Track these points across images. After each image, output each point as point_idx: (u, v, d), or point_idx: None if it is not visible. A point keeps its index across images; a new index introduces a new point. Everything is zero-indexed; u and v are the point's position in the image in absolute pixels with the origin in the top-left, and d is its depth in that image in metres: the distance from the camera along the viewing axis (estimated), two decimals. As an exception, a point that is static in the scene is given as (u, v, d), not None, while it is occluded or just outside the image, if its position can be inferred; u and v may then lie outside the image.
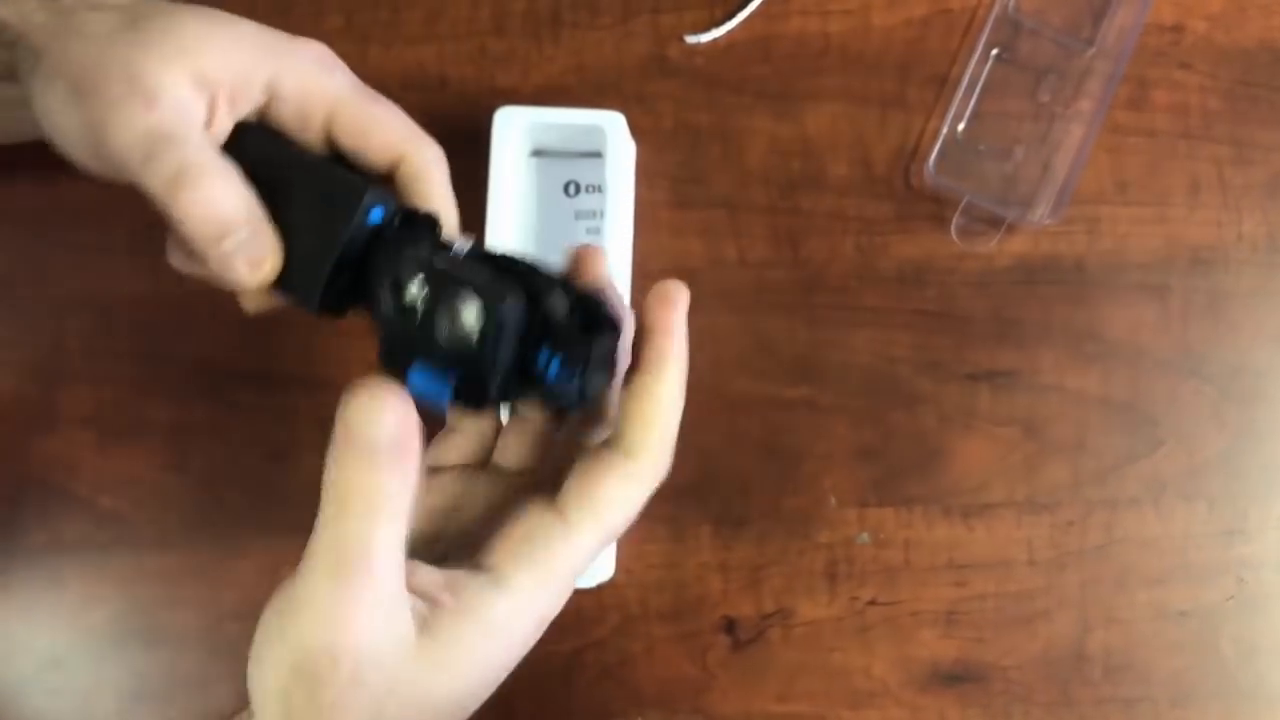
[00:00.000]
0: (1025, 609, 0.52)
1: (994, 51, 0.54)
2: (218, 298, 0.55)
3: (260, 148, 0.37)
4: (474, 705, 0.32)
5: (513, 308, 0.31)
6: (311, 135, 0.37)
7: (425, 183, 0.37)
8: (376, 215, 0.34)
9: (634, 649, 0.52)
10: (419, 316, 0.32)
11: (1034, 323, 0.53)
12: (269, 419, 0.53)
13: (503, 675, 0.33)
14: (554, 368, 0.32)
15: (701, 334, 0.53)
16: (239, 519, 0.53)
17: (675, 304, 0.34)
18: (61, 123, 0.35)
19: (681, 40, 0.55)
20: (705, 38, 0.54)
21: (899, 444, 0.53)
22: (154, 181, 0.34)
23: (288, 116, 0.37)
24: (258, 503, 0.53)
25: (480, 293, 0.31)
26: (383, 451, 0.29)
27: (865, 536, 0.52)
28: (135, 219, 0.54)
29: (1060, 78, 0.54)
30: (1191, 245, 0.54)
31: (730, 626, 0.52)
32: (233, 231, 0.34)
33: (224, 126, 0.36)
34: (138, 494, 0.53)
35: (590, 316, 0.33)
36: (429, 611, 0.30)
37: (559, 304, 0.32)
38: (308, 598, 0.29)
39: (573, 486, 0.33)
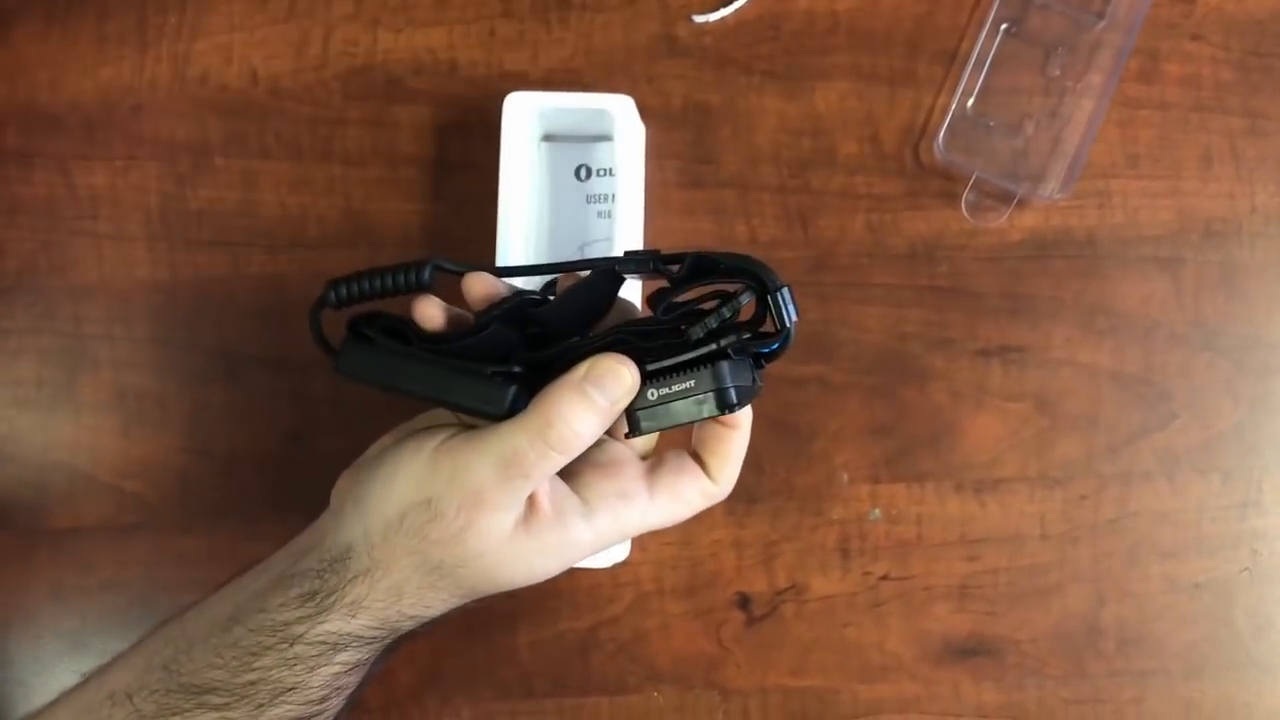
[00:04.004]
0: (1038, 583, 0.52)
1: (1003, 26, 0.54)
2: (234, 285, 0.56)
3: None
4: (511, 587, 0.39)
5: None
6: None
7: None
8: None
9: (649, 626, 0.53)
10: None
11: (1045, 298, 0.53)
12: (286, 403, 0.54)
13: (544, 577, 0.40)
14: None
15: (713, 313, 0.53)
16: (258, 501, 0.54)
17: None
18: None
19: (690, 20, 0.55)
20: (713, 17, 0.54)
21: (911, 420, 0.53)
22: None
23: None
24: (277, 485, 0.54)
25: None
26: (604, 407, 0.37)
27: (877, 512, 0.53)
28: (151, 208, 0.55)
29: (1070, 51, 0.54)
30: (1204, 218, 0.54)
31: (744, 602, 0.53)
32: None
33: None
34: (159, 477, 0.54)
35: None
36: (531, 512, 0.38)
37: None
38: (472, 463, 0.36)
39: (666, 476, 0.40)
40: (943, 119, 0.53)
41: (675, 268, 0.38)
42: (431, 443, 0.38)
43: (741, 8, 0.54)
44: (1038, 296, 0.53)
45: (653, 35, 0.55)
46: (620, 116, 0.50)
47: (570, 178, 0.54)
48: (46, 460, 0.54)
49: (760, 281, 0.37)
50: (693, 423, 0.38)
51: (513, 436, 0.36)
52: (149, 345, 0.54)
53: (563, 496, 0.39)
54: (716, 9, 0.54)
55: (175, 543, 0.54)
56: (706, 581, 0.53)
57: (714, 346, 0.37)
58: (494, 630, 0.53)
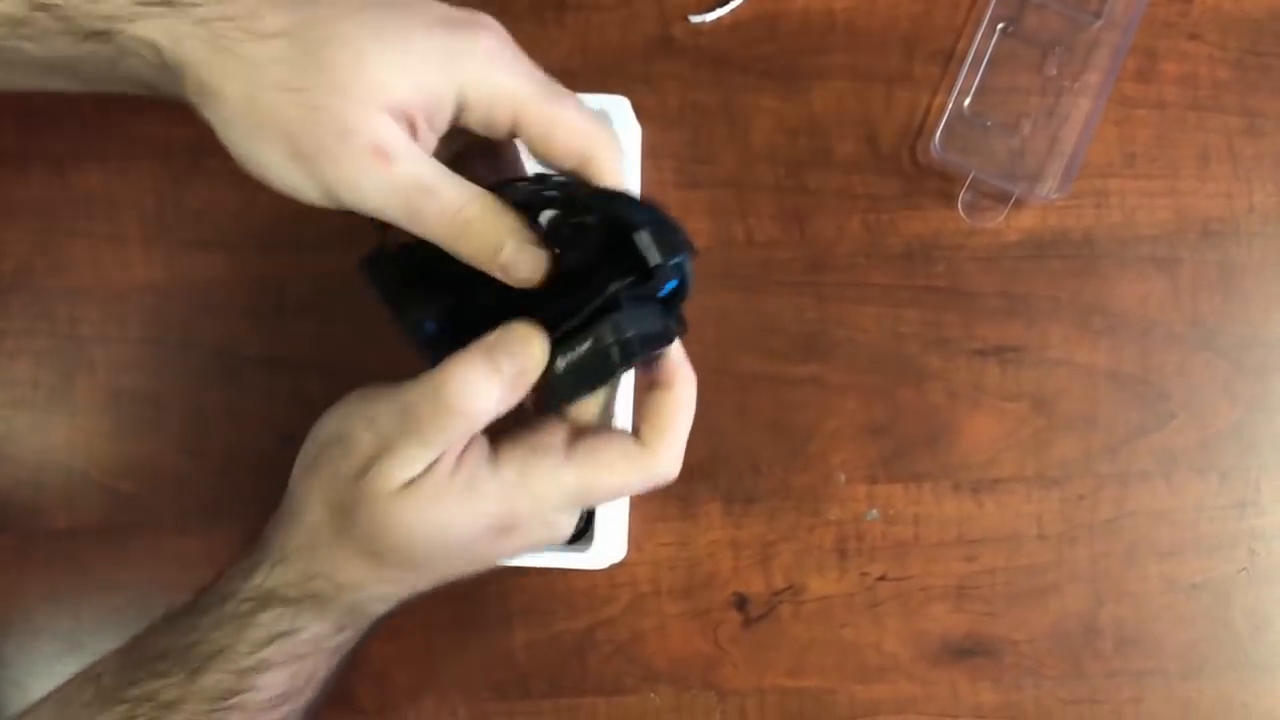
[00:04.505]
0: (1036, 583, 0.52)
1: (1000, 25, 0.54)
2: (230, 286, 0.56)
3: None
4: (420, 551, 0.37)
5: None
6: (499, 135, 0.37)
7: (607, 178, 0.38)
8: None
9: (646, 626, 0.53)
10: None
11: (1042, 297, 0.53)
12: (283, 403, 0.54)
13: (463, 553, 0.38)
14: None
15: (710, 313, 0.54)
16: (255, 503, 0.53)
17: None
18: (284, 175, 0.37)
19: (686, 20, 0.55)
20: (710, 17, 0.54)
21: (908, 420, 0.53)
22: (425, 229, 0.36)
23: (475, 123, 0.37)
24: (273, 486, 0.53)
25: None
26: (509, 376, 0.36)
27: (875, 513, 0.53)
28: (147, 208, 0.55)
29: (1067, 50, 0.54)
30: (1202, 217, 0.54)
31: (741, 603, 0.53)
32: (504, 246, 0.36)
33: (429, 144, 0.37)
34: (156, 478, 0.54)
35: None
36: (435, 463, 0.36)
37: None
38: (381, 409, 0.36)
39: (588, 437, 0.38)
40: (939, 119, 0.53)
41: (553, 194, 0.37)
42: (368, 388, 0.38)
43: (737, 8, 0.54)
44: (1035, 296, 0.53)
45: (649, 35, 0.55)
46: (616, 117, 0.50)
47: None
48: (42, 461, 0.54)
49: (621, 223, 0.35)
50: (605, 382, 0.37)
51: (415, 391, 0.36)
52: (145, 346, 0.54)
53: (473, 446, 0.37)
54: (712, 9, 0.54)
55: (171, 544, 0.54)
56: (703, 582, 0.53)
57: (600, 300, 0.36)
58: (490, 631, 0.53)
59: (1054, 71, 0.54)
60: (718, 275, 0.54)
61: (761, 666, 0.52)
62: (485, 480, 0.36)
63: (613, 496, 0.39)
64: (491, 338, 0.36)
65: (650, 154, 0.54)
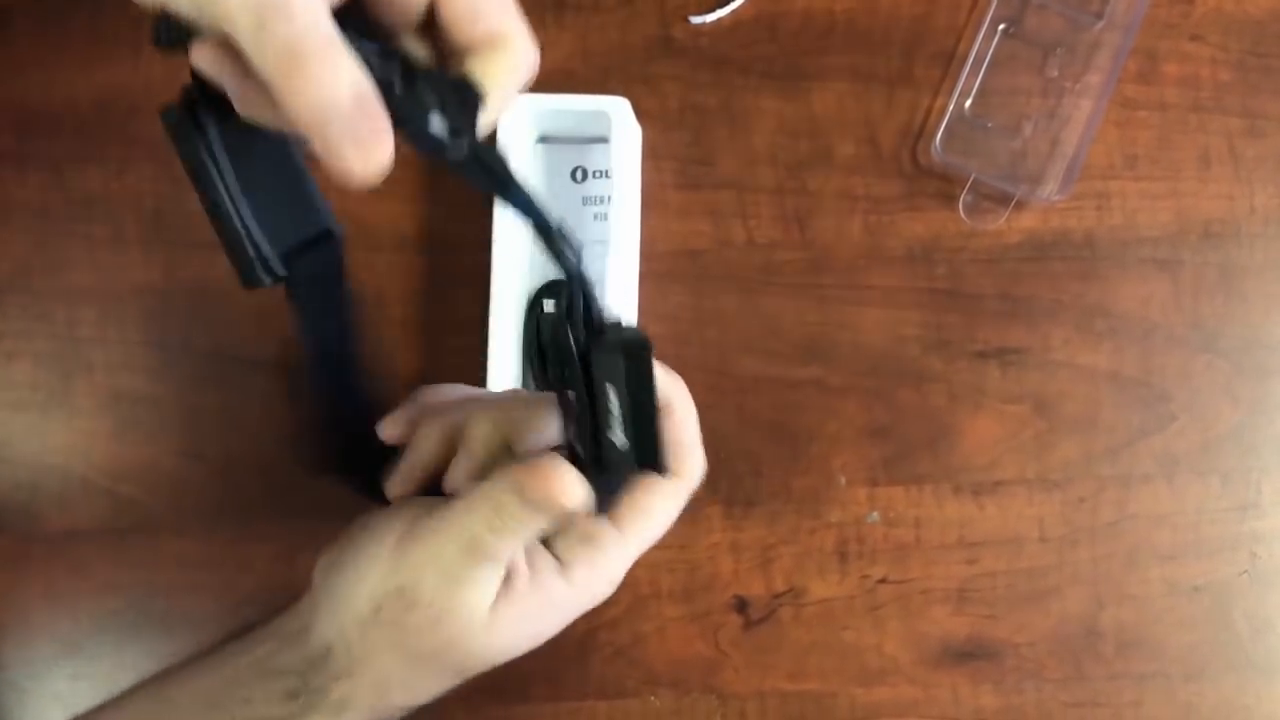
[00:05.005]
0: (1037, 586, 0.52)
1: (1001, 26, 0.53)
2: (229, 288, 0.56)
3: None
4: (508, 659, 0.38)
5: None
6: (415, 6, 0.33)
7: (502, 84, 0.33)
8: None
9: (646, 629, 0.52)
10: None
11: (1044, 299, 0.53)
12: (282, 404, 0.54)
13: (536, 644, 0.39)
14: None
15: (710, 315, 0.53)
16: (255, 504, 0.54)
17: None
18: None
19: (686, 21, 0.54)
20: (710, 18, 0.54)
21: (909, 423, 0.53)
22: (261, 56, 0.29)
23: None
24: (273, 488, 0.54)
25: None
26: (521, 520, 0.36)
27: (875, 515, 0.53)
28: (145, 210, 0.55)
29: (1069, 52, 0.53)
30: (1203, 219, 0.53)
31: (742, 606, 0.53)
32: (339, 116, 0.30)
33: None
34: (155, 481, 0.54)
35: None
36: (508, 582, 0.37)
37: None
38: (439, 547, 0.36)
39: (631, 508, 0.38)
40: (940, 120, 0.53)
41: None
42: (396, 528, 0.38)
43: (738, 9, 0.54)
44: (1036, 298, 0.53)
45: (649, 36, 0.55)
46: (616, 118, 0.50)
47: (566, 180, 0.54)
48: (41, 463, 0.54)
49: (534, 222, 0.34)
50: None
51: (472, 522, 0.36)
52: (144, 348, 0.54)
53: (536, 555, 0.38)
54: (713, 10, 0.54)
55: (170, 546, 0.53)
56: (704, 585, 0.53)
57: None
58: (490, 634, 0.53)
59: (1055, 73, 0.53)
60: (718, 277, 0.53)
61: (762, 670, 0.52)
62: (559, 589, 0.38)
63: (665, 531, 0.40)
64: (524, 484, 0.36)
65: (650, 155, 0.54)
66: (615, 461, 0.36)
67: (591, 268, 0.53)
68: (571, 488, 0.35)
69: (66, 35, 0.56)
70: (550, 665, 0.52)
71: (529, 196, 0.34)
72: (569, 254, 0.34)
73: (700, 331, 0.53)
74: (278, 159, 0.36)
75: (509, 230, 0.50)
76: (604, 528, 0.38)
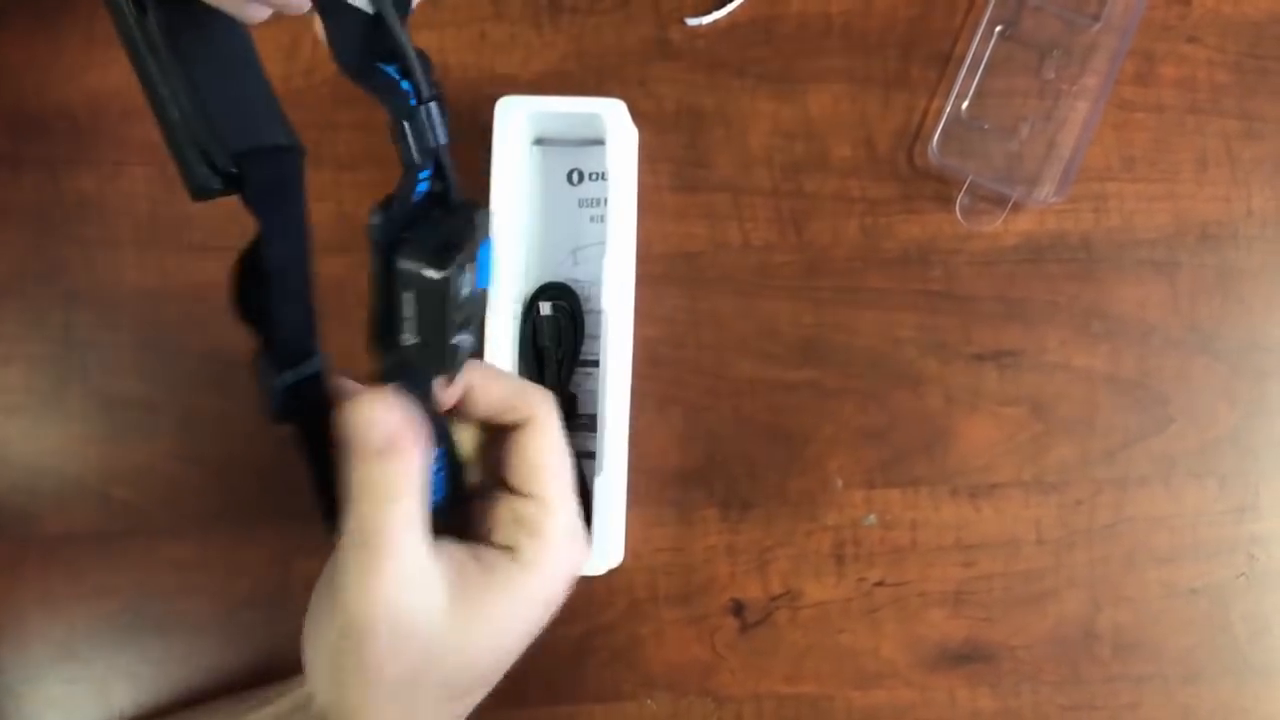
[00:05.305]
0: (1034, 588, 0.52)
1: (998, 28, 0.53)
2: (223, 289, 0.56)
3: None
4: (502, 666, 0.37)
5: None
6: None
7: None
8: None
9: (643, 632, 0.52)
10: None
11: (1040, 302, 0.53)
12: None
13: (525, 642, 0.37)
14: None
15: (706, 318, 0.53)
16: (250, 508, 0.54)
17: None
18: None
19: (682, 23, 0.54)
20: (706, 20, 0.54)
21: (905, 425, 0.53)
22: None
23: None
24: (268, 491, 0.54)
25: None
26: (378, 449, 0.33)
27: (872, 518, 0.52)
28: (140, 212, 0.55)
29: (1065, 54, 0.53)
30: (1200, 221, 0.53)
31: (738, 609, 0.52)
32: None
33: None
34: (150, 484, 0.54)
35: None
36: (460, 580, 0.34)
37: None
38: (342, 577, 0.33)
39: (525, 469, 0.37)
40: (937, 122, 0.53)
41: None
42: (325, 569, 0.35)
43: (734, 10, 0.54)
44: (1032, 300, 0.53)
45: (645, 38, 0.55)
46: (612, 120, 0.50)
47: (562, 182, 0.54)
48: (36, 467, 0.54)
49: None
50: (450, 317, 0.33)
51: (352, 517, 0.33)
52: (139, 351, 0.54)
53: (482, 551, 0.36)
54: (709, 12, 0.54)
55: (166, 550, 0.53)
56: (700, 588, 0.52)
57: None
58: (486, 637, 0.53)
59: (1052, 75, 0.53)
60: (714, 279, 0.53)
61: (758, 673, 0.52)
62: (516, 573, 0.36)
63: (568, 464, 0.38)
64: (354, 435, 0.34)
65: (646, 157, 0.53)
66: (405, 359, 0.33)
67: (588, 270, 0.53)
68: (369, 412, 0.33)
69: (60, 38, 0.56)
70: (547, 669, 0.52)
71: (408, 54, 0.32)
72: (413, 142, 0.32)
73: (696, 334, 0.53)
74: (235, 60, 0.34)
75: (505, 232, 0.50)
76: (525, 502, 0.37)
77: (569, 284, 0.53)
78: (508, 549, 0.37)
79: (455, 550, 0.36)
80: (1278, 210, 0.53)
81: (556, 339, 0.52)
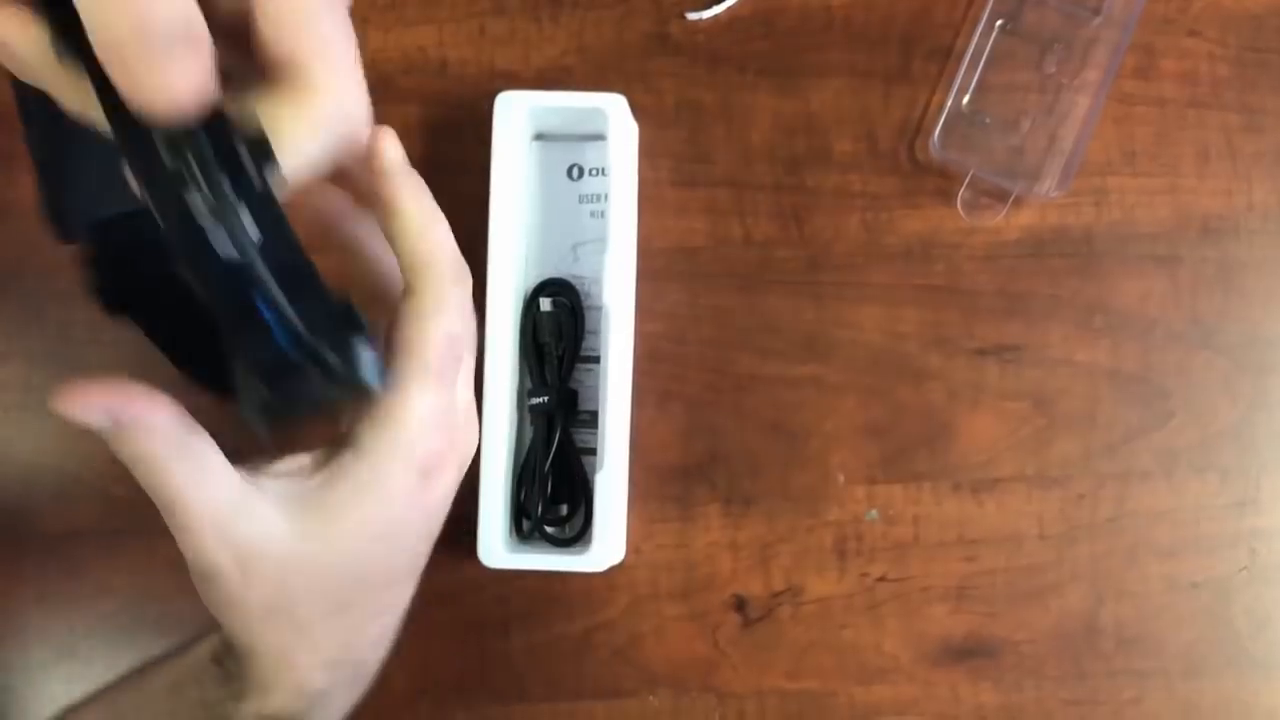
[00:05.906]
0: (1036, 583, 0.52)
1: (999, 22, 0.53)
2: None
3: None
4: (382, 568, 0.34)
5: None
6: None
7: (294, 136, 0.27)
8: None
9: (645, 628, 0.52)
10: None
11: (1042, 296, 0.53)
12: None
13: (397, 542, 0.34)
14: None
15: (707, 313, 0.53)
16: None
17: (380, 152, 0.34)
18: None
19: (683, 17, 0.54)
20: (707, 14, 0.54)
21: (907, 420, 0.53)
22: None
23: None
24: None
25: None
26: (113, 434, 0.33)
27: (874, 513, 0.52)
28: (139, 208, 0.55)
29: (1066, 48, 0.53)
30: (1201, 215, 0.53)
31: (740, 605, 0.52)
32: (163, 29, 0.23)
33: None
34: (149, 482, 0.53)
35: None
36: (299, 494, 0.32)
37: None
38: (176, 536, 0.33)
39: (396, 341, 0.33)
40: (938, 116, 0.53)
41: None
42: None
43: (735, 5, 0.54)
44: (1034, 295, 0.53)
45: (645, 33, 0.54)
46: (613, 115, 0.49)
47: (562, 177, 0.54)
48: (35, 464, 0.54)
49: None
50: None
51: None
52: (137, 349, 0.54)
53: (318, 456, 0.33)
54: (709, 6, 0.54)
55: (165, 548, 0.52)
56: (702, 584, 0.52)
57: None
58: (488, 635, 0.53)
59: (1053, 69, 0.53)
60: (715, 275, 0.53)
61: (761, 668, 0.52)
62: (358, 466, 0.32)
63: (454, 349, 0.34)
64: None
65: (647, 153, 0.53)
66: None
67: (589, 265, 0.52)
68: (83, 402, 0.31)
69: (58, 33, 0.55)
70: (548, 665, 0.52)
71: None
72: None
73: (698, 329, 0.53)
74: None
75: (505, 228, 0.50)
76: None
77: (569, 279, 0.53)
78: (339, 443, 0.33)
79: (285, 462, 0.33)
80: (1278, 204, 0.53)
81: (557, 335, 0.52)
